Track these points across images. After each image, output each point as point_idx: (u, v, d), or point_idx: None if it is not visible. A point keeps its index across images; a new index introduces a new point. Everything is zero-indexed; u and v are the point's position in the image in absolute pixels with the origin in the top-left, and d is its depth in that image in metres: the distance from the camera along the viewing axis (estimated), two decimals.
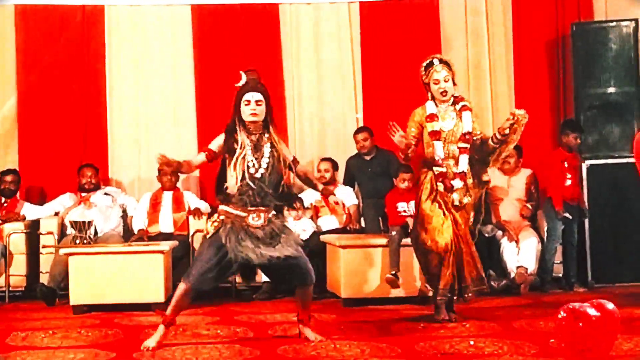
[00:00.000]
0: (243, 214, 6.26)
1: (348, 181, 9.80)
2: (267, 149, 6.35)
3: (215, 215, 6.38)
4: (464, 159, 7.08)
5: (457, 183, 7.04)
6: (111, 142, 10.18)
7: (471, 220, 7.21)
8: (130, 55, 10.26)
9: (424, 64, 7.21)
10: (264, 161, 6.31)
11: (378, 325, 7.30)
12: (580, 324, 4.27)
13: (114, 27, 10.25)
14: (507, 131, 6.86)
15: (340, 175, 9.89)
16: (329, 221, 9.51)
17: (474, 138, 7.10)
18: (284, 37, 10.36)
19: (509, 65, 10.32)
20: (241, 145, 6.30)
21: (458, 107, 7.15)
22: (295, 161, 6.56)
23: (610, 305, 4.57)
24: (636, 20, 9.58)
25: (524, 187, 9.47)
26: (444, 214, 7.05)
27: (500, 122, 9.81)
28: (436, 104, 7.17)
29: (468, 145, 7.08)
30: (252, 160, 6.28)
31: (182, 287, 6.36)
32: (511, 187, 9.43)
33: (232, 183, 6.30)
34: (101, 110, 10.18)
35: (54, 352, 6.45)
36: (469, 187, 7.09)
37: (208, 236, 6.35)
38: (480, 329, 6.93)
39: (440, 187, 7.04)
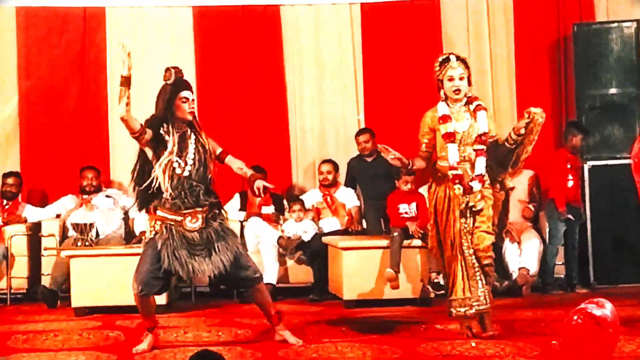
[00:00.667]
0: (179, 218, 6.28)
1: (349, 183, 9.79)
2: (191, 144, 6.36)
3: (153, 221, 6.39)
4: (481, 162, 6.54)
5: (476, 185, 6.51)
6: (112, 143, 10.17)
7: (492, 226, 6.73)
8: (132, 57, 10.21)
9: (439, 60, 6.64)
10: (189, 157, 6.32)
11: (380, 327, 7.29)
12: (597, 327, 4.24)
13: (114, 29, 10.24)
14: (522, 131, 6.45)
15: (342, 176, 9.88)
16: (330, 223, 9.50)
17: (490, 140, 6.61)
18: (285, 39, 10.35)
19: (510, 66, 10.30)
20: (170, 149, 6.29)
21: (472, 107, 6.61)
22: (224, 152, 6.54)
23: (609, 304, 4.56)
24: (638, 20, 9.57)
25: (526, 189, 9.47)
26: (457, 221, 6.53)
27: (502, 124, 9.89)
28: (448, 105, 6.64)
29: (484, 147, 6.55)
30: (177, 161, 6.28)
31: (134, 295, 6.41)
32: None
33: (164, 187, 6.29)
34: (102, 111, 10.17)
35: (55, 354, 6.46)
36: (484, 193, 6.56)
37: (146, 240, 6.41)
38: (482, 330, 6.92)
39: (457, 190, 6.48)
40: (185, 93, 6.37)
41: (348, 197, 9.64)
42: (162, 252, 6.22)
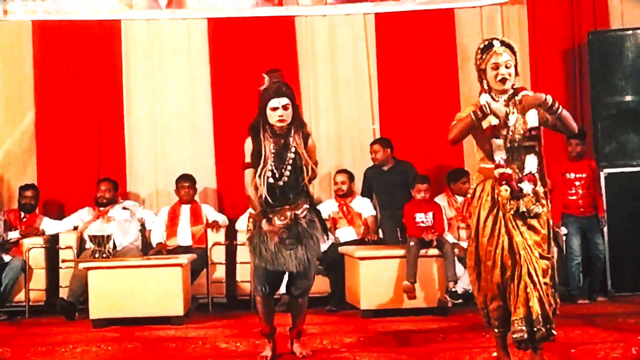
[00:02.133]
0: (269, 216, 6.27)
1: (366, 192, 9.78)
2: (290, 156, 6.30)
3: (247, 220, 6.46)
4: (532, 160, 5.66)
5: (527, 186, 5.60)
6: (129, 156, 10.22)
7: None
8: (147, 69, 10.29)
9: (481, 47, 5.73)
10: (287, 169, 6.27)
11: (397, 337, 7.30)
12: None
13: (130, 41, 10.29)
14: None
15: (358, 186, 9.88)
16: (346, 232, 9.50)
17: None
18: (300, 49, 10.37)
19: (525, 74, 10.24)
20: (265, 158, 6.26)
21: (519, 98, 5.67)
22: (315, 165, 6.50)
23: None
24: None
25: None
26: (504, 232, 5.64)
27: None
28: (493, 98, 5.71)
29: (535, 144, 5.70)
30: (272, 170, 6.26)
31: (258, 299, 6.52)
32: None
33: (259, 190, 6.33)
34: (118, 124, 10.22)
35: None
36: (540, 195, 5.66)
37: (248, 247, 6.42)
38: None
39: (504, 191, 5.59)
40: (273, 102, 6.26)
41: (364, 207, 9.63)
42: (255, 251, 6.27)
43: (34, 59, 10.20)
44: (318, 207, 9.43)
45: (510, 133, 5.66)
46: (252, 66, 10.15)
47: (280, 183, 6.27)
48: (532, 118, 5.66)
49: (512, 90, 5.72)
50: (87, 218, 9.65)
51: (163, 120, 10.29)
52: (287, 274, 6.46)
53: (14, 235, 9.46)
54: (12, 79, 10.23)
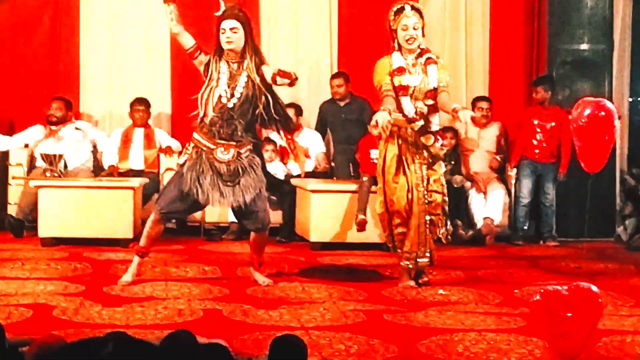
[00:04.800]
0: (212, 146, 6.34)
1: (320, 126, 9.75)
2: (242, 79, 6.38)
3: (189, 143, 6.49)
4: (436, 119, 6.69)
5: (439, 142, 6.72)
6: (83, 76, 10.08)
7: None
8: None
9: (394, 9, 6.61)
10: (238, 90, 6.35)
11: (345, 270, 7.41)
12: (557, 308, 4.19)
13: None
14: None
15: (309, 119, 9.86)
16: (291, 167, 9.43)
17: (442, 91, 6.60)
18: None
19: (485, 17, 10.25)
20: (211, 76, 6.36)
21: (422, 60, 6.61)
22: (273, 74, 6.41)
23: (594, 288, 4.44)
24: None
25: (494, 140, 9.52)
26: (404, 172, 6.57)
27: (474, 75, 10.00)
28: (403, 56, 6.65)
29: (435, 102, 6.58)
30: (225, 90, 6.33)
31: (152, 216, 6.51)
32: (481, 139, 9.49)
33: (206, 112, 6.38)
34: (74, 42, 10.05)
35: (23, 282, 6.50)
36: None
37: (179, 165, 6.50)
38: (447, 277, 7.03)
39: (429, 140, 6.57)
40: (223, 24, 6.40)
41: (312, 141, 9.56)
42: (185, 175, 6.31)
43: None
44: (270, 136, 9.51)
45: (415, 92, 6.54)
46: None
47: (230, 105, 6.33)
48: (433, 79, 6.54)
49: (419, 50, 6.61)
50: (38, 136, 9.52)
51: (120, 42, 10.15)
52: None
53: None
54: None
